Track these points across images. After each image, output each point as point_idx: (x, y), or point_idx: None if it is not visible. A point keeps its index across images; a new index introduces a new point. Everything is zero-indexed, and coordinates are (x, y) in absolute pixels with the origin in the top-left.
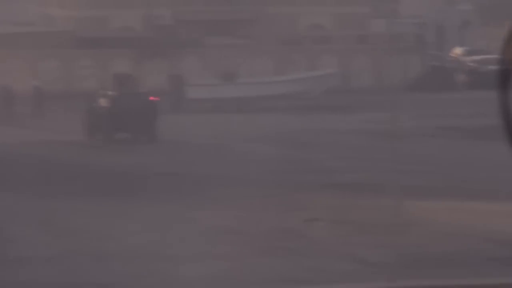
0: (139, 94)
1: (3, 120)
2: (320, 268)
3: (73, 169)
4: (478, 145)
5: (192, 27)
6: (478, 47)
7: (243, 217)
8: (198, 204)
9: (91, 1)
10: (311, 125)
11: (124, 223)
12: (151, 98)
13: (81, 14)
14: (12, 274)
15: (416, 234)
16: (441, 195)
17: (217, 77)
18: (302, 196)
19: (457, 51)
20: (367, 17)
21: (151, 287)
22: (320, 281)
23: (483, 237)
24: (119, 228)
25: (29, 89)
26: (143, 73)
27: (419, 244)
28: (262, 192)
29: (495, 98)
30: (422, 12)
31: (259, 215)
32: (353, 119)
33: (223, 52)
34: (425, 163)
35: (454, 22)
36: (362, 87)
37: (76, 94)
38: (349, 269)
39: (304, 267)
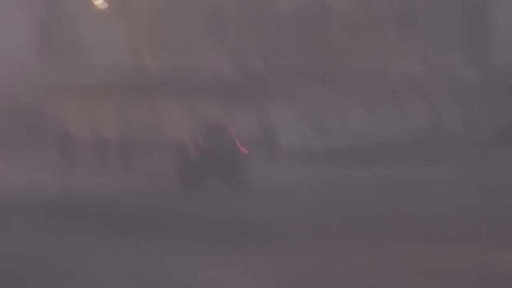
0: (228, 142)
1: (95, 169)
2: None
3: (170, 218)
4: None
5: (285, 76)
6: None
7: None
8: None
9: (184, 52)
10: None
11: (222, 270)
12: (240, 147)
13: (173, 64)
14: None
15: None
16: None
17: (310, 126)
18: None
19: None
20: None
21: None
22: None
23: None
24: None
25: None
26: (234, 122)
27: None
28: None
29: None
30: None
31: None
32: None
33: (317, 102)
34: None
35: None
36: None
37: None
38: None
39: None
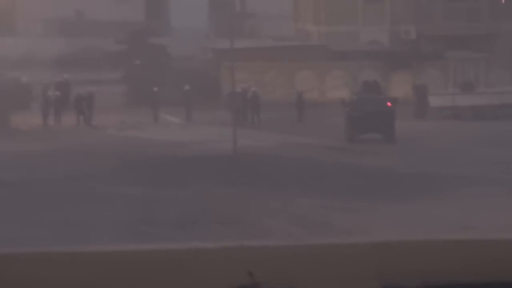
0: (379, 99)
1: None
2: None
3: (325, 168)
4: None
5: (434, 42)
6: None
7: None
8: (447, 202)
9: (343, 18)
10: None
11: (374, 219)
12: (388, 103)
13: (333, 29)
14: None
15: None
16: None
17: (456, 87)
18: None
19: None
20: None
21: None
22: None
23: None
24: (369, 223)
25: (284, 97)
26: (389, 84)
27: None
28: (504, 190)
29: None
30: None
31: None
32: None
33: (463, 65)
34: None
35: None
36: None
37: (329, 102)
38: None
39: None
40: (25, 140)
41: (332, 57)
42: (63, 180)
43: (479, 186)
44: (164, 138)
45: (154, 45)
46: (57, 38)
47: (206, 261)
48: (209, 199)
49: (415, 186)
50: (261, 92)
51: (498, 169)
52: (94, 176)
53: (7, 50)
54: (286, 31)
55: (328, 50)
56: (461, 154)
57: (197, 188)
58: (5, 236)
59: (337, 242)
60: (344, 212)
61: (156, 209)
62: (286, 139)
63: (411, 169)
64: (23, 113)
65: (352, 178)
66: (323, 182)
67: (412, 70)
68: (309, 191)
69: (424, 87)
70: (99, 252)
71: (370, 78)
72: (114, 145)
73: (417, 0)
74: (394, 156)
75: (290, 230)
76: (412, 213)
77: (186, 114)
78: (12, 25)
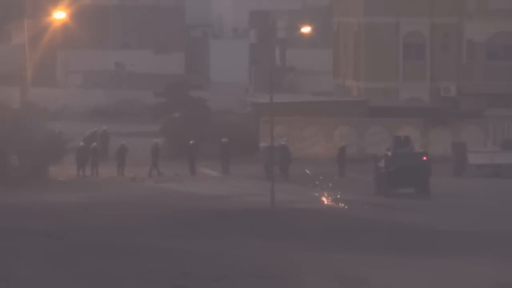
0: (415, 153)
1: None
2: None
3: (362, 224)
4: None
5: (474, 99)
6: None
7: None
8: (485, 259)
9: (383, 74)
10: None
11: (412, 275)
12: (424, 158)
13: (373, 85)
14: None
15: None
16: None
17: (495, 145)
18: None
19: None
20: None
21: None
22: None
23: None
24: (405, 279)
25: (323, 152)
26: (427, 140)
27: None
28: None
29: None
30: None
31: None
32: None
33: (502, 122)
34: None
35: None
36: None
37: (367, 158)
38: None
39: None
40: (63, 190)
41: (371, 113)
42: (104, 231)
43: None
44: (201, 191)
45: (193, 98)
46: (97, 90)
47: None
48: (245, 252)
49: (453, 243)
50: (300, 147)
51: None
52: (133, 228)
53: (47, 101)
54: (325, 86)
55: (367, 106)
56: (499, 212)
57: (234, 241)
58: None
59: None
60: (381, 269)
61: (192, 262)
62: (325, 195)
63: (448, 226)
64: (60, 163)
65: (390, 234)
66: (361, 238)
67: (451, 127)
68: (346, 247)
69: (463, 144)
70: None
71: (406, 134)
72: (152, 198)
73: (457, 57)
74: (431, 212)
75: (326, 285)
76: (449, 269)
77: (223, 167)
78: (52, 76)
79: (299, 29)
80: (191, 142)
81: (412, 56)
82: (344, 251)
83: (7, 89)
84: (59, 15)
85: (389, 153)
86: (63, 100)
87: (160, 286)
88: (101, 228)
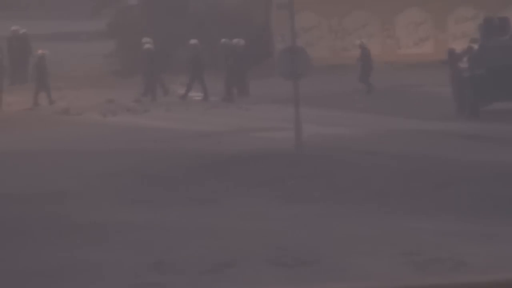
0: None
1: None
2: None
3: (442, 167)
4: None
5: None
6: None
7: None
8: None
9: None
10: None
11: None
12: None
13: None
14: None
15: None
16: None
17: None
18: None
19: None
20: None
21: None
22: None
23: None
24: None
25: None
26: None
27: None
28: None
29: None
30: None
31: None
32: None
33: None
34: None
35: None
36: None
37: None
38: None
39: None
40: None
41: None
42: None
43: None
44: (182, 126)
45: None
46: None
47: None
48: (255, 224)
49: None
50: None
51: None
52: (75, 194)
53: None
54: None
55: None
56: None
57: (237, 206)
58: None
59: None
60: (478, 241)
61: (172, 245)
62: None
63: None
64: None
65: (490, 185)
66: (444, 192)
67: None
68: (424, 208)
69: None
70: None
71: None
72: (103, 141)
73: None
74: None
75: (396, 270)
76: None
77: (227, 87)
78: None
79: None
80: (146, 46)
81: None
82: (422, 215)
83: None
84: None
85: (475, 46)
86: None
87: (120, 285)
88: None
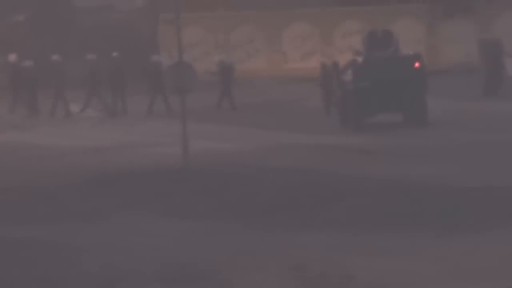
0: (400, 58)
1: None
2: None
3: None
4: None
5: None
6: None
7: None
8: None
9: None
10: None
11: (416, 265)
12: (416, 64)
13: None
14: None
15: None
16: None
17: None
18: None
19: None
20: None
21: None
22: None
23: None
24: (407, 272)
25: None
26: (438, 39)
27: None
28: None
29: None
30: None
31: None
32: None
33: None
34: None
35: None
36: None
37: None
38: None
39: None
40: None
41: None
42: None
43: None
44: (68, 142)
45: None
46: None
47: None
48: (142, 240)
49: (483, 208)
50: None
51: None
52: None
53: None
54: None
55: None
56: None
57: (124, 222)
58: None
59: None
60: (366, 255)
61: (54, 263)
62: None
63: (470, 179)
64: None
65: (378, 199)
66: (333, 206)
67: (477, 15)
68: (313, 222)
69: (498, 44)
70: None
71: (386, 29)
72: None
73: None
74: (434, 156)
75: (284, 285)
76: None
77: (113, 102)
78: None
79: None
80: (53, 58)
81: None
82: (302, 231)
83: None
84: None
85: (359, 59)
86: None
87: None
88: None
